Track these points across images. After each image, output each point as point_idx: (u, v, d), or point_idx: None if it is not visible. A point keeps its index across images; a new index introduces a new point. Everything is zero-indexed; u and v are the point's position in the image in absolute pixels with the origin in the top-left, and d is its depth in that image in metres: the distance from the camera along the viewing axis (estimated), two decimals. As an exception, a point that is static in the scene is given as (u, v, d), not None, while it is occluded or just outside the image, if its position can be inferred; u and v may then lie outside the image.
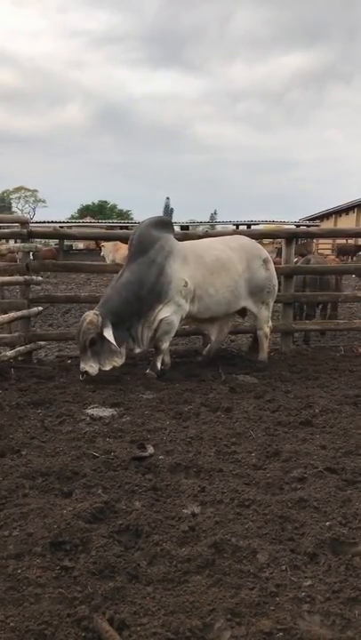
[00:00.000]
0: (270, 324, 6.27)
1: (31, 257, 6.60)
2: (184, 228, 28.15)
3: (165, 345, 5.57)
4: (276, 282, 6.16)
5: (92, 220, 40.28)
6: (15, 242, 7.40)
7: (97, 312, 5.17)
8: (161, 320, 5.41)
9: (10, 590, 2.16)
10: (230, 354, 6.66)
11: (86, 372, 5.18)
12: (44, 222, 33.00)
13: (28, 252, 6.44)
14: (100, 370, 5.22)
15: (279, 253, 11.69)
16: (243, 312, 6.21)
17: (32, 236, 6.50)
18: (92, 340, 5.09)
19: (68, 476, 3.18)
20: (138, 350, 5.50)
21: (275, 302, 6.33)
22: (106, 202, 64.17)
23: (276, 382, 5.40)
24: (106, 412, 4.38)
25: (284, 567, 2.34)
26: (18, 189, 67.43)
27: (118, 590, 2.16)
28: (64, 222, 35.53)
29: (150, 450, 3.56)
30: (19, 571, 2.26)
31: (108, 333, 5.06)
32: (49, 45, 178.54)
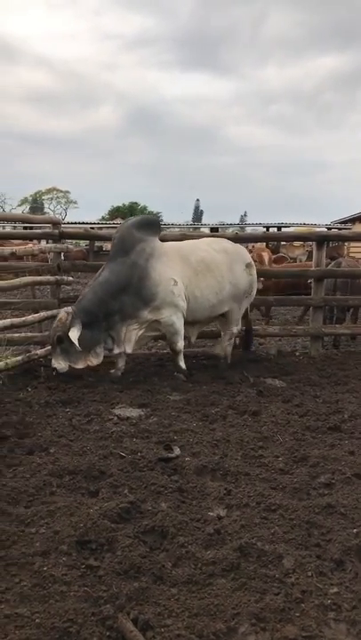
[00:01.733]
0: (239, 326, 6.08)
1: (62, 257, 6.67)
2: (214, 229, 28.12)
3: (179, 345, 5.50)
4: (255, 286, 6.02)
5: (123, 222, 40.50)
6: (47, 242, 7.49)
7: (69, 310, 5.17)
8: (159, 322, 5.36)
9: (36, 587, 2.18)
10: (258, 357, 6.62)
11: (56, 369, 5.22)
12: (76, 223, 33.29)
13: (59, 253, 6.51)
14: (70, 367, 5.22)
15: (310, 256, 11.58)
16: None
17: (63, 236, 6.57)
18: (59, 338, 5.12)
19: (95, 475, 3.20)
20: (117, 351, 5.39)
21: (306, 306, 6.21)
22: (136, 203, 64.40)
23: (305, 386, 5.35)
24: (133, 413, 4.40)
25: (309, 573, 2.32)
26: (50, 190, 68.16)
27: (143, 591, 2.16)
28: (95, 223, 35.77)
29: (177, 451, 3.56)
30: (45, 568, 2.29)
31: (73, 334, 5.02)
32: (83, 48, 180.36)
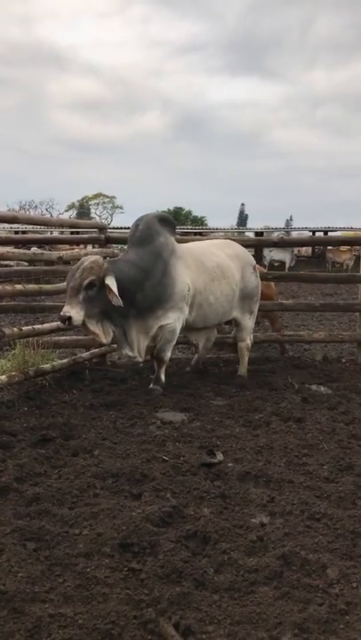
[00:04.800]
0: (252, 336, 5.85)
1: (108, 262, 6.75)
2: (258, 234, 27.94)
3: (168, 355, 5.13)
4: (260, 290, 5.84)
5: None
6: (93, 247, 7.60)
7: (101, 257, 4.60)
8: (163, 327, 4.96)
9: (79, 588, 2.21)
10: (304, 363, 6.54)
11: (69, 319, 4.34)
12: (121, 228, 33.65)
13: (105, 257, 6.59)
14: (84, 324, 4.47)
15: (358, 261, 11.37)
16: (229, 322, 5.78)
17: (109, 241, 6.65)
18: (90, 283, 4.39)
19: (138, 478, 3.21)
20: (130, 354, 4.89)
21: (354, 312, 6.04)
22: (181, 208, 64.53)
23: (351, 394, 5.24)
24: (176, 417, 4.41)
25: (354, 584, 2.27)
26: (96, 196, 69.06)
27: (185, 596, 2.16)
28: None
29: (219, 456, 3.55)
30: (88, 569, 2.31)
31: (112, 281, 4.41)
32: (130, 55, 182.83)
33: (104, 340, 4.69)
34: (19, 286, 5.25)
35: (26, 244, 10.15)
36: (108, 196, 68.99)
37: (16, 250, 6.48)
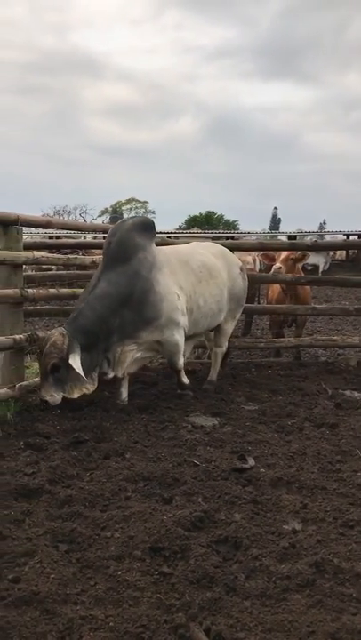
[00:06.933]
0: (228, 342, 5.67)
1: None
2: (291, 237, 27.74)
3: (180, 363, 4.96)
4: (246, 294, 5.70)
5: (199, 231, 40.76)
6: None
7: (63, 332, 4.34)
8: (161, 342, 4.80)
9: (110, 591, 2.21)
10: (337, 368, 6.46)
11: (47, 402, 4.37)
12: (153, 232, 33.68)
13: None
14: (64, 398, 4.42)
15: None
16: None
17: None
18: (54, 366, 4.29)
19: (169, 482, 3.21)
20: (111, 375, 4.67)
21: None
22: (213, 212, 64.49)
23: (386, 399, 5.15)
24: (207, 421, 4.40)
25: (390, 595, 2.22)
26: (129, 201, 69.51)
27: (215, 601, 2.14)
28: (171, 232, 36.13)
29: (251, 462, 3.53)
30: (119, 572, 2.32)
31: (75, 360, 4.25)
32: (164, 61, 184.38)
33: (91, 390, 4.54)
34: (52, 290, 5.31)
35: (60, 248, 10.28)
36: (140, 201, 69.38)
37: (50, 255, 6.56)
